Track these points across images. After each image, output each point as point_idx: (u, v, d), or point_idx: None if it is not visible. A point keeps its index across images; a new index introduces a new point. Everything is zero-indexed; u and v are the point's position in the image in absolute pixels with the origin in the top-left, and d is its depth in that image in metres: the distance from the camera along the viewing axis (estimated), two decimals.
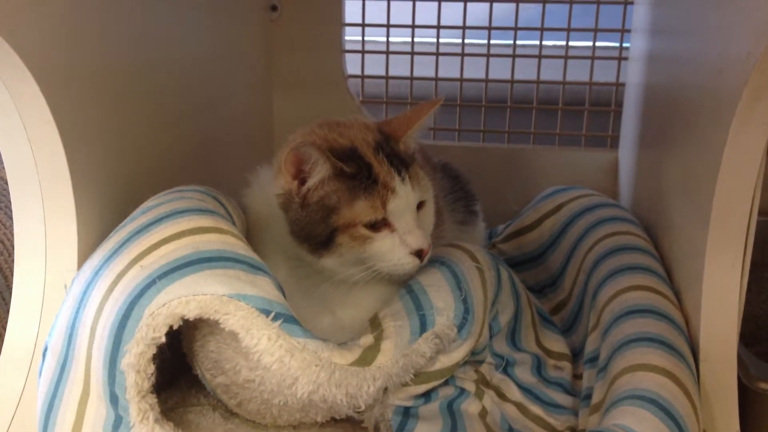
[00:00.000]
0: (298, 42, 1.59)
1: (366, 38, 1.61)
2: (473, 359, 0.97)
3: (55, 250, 0.87)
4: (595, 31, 1.55)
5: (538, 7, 1.55)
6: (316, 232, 0.88)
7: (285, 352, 0.73)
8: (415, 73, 1.61)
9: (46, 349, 0.82)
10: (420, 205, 0.92)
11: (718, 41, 0.89)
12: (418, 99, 1.62)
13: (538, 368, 1.05)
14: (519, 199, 1.41)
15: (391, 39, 1.61)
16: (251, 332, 0.73)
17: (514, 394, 0.97)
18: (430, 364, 0.87)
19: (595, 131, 1.60)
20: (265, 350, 0.73)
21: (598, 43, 1.55)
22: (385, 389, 0.80)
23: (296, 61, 1.58)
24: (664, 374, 0.83)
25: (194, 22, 1.23)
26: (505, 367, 1.02)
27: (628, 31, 1.52)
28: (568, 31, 1.55)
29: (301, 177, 0.88)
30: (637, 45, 1.46)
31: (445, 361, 0.88)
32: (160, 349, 0.74)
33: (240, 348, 0.76)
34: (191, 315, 0.72)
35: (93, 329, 0.75)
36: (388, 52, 1.61)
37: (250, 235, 0.98)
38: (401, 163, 0.90)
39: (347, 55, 1.62)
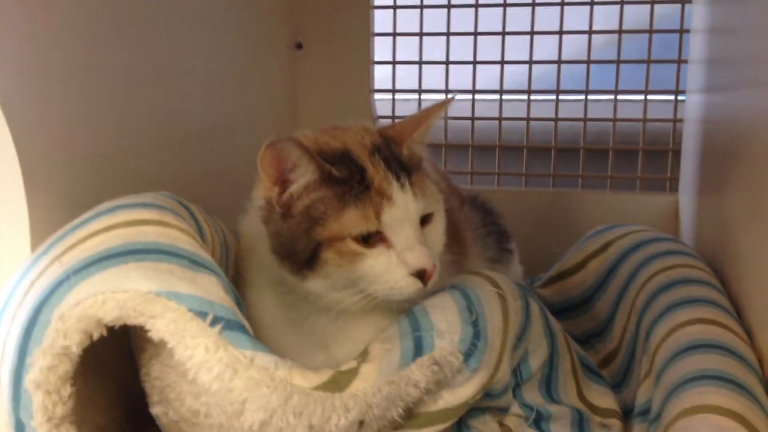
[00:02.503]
0: (324, 81, 1.49)
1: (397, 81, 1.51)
2: (493, 405, 0.80)
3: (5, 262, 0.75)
4: (648, 62, 1.39)
5: (584, 39, 1.41)
6: (298, 248, 0.73)
7: (226, 367, 0.57)
8: (450, 113, 1.48)
9: None
10: (426, 219, 0.76)
11: None
12: (453, 142, 1.49)
13: (580, 425, 0.88)
14: (566, 248, 1.24)
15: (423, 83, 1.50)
16: (184, 340, 0.58)
17: None
18: (432, 402, 0.70)
19: (651, 173, 1.43)
20: (202, 364, 0.57)
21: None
22: (361, 423, 0.63)
23: (322, 100, 1.49)
24: (729, 416, 0.65)
25: (210, 49, 1.18)
26: (538, 421, 0.84)
27: (685, 61, 1.37)
28: (618, 62, 1.40)
29: (282, 182, 0.74)
30: (695, 77, 1.30)
31: (449, 399, 0.71)
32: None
33: (184, 370, 0.60)
34: (109, 317, 0.58)
35: (5, 343, 0.61)
36: (420, 90, 1.49)
37: (240, 261, 0.86)
38: (402, 168, 0.75)
39: (377, 98, 1.51)
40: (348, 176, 0.73)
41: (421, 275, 0.72)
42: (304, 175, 0.72)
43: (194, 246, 0.66)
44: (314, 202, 0.73)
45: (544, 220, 1.43)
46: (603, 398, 0.92)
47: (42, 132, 0.78)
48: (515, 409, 0.84)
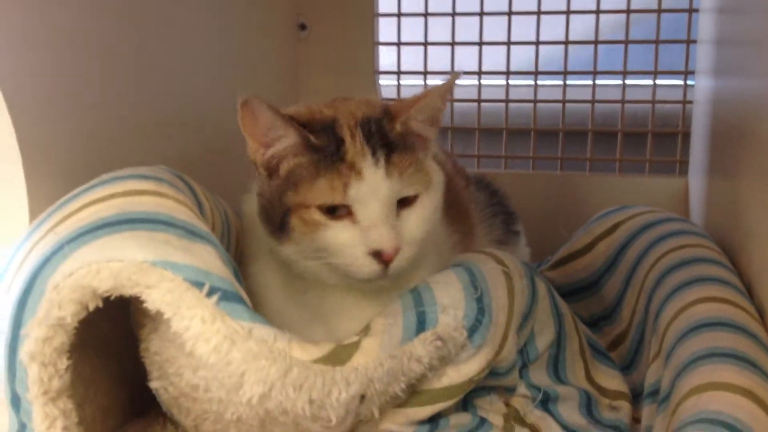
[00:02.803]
0: (328, 62, 1.47)
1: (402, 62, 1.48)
2: (499, 384, 0.78)
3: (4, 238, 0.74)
4: (657, 43, 1.37)
5: (591, 19, 1.39)
6: (274, 211, 0.72)
7: (223, 339, 0.56)
8: (456, 96, 1.46)
9: None
10: (407, 202, 0.73)
11: None
12: (459, 125, 1.47)
13: (588, 407, 0.86)
14: (571, 230, 1.22)
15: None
16: (180, 311, 0.56)
17: None
18: (435, 379, 0.69)
19: (660, 156, 1.41)
20: (199, 336, 0.56)
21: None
22: (362, 398, 0.62)
23: (326, 82, 1.46)
24: (741, 393, 0.64)
25: (209, 31, 1.17)
26: (546, 402, 0.83)
27: (694, 41, 1.34)
28: (626, 43, 1.38)
29: (264, 144, 0.72)
30: (704, 58, 1.28)
31: (453, 376, 0.69)
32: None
33: (182, 342, 0.59)
34: (104, 287, 0.56)
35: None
36: (426, 72, 1.46)
37: (242, 239, 0.85)
38: (384, 144, 0.72)
39: (383, 80, 1.49)
40: (326, 145, 0.71)
41: (379, 257, 0.69)
42: (282, 139, 0.71)
43: (191, 217, 0.65)
44: (295, 167, 0.72)
45: (551, 204, 1.41)
46: (611, 380, 0.90)
47: (40, 112, 0.77)
48: (522, 389, 0.82)
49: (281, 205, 0.71)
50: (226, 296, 0.59)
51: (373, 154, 0.70)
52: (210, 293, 0.58)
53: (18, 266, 0.61)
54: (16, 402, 0.58)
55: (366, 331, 0.67)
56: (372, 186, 0.70)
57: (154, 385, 0.67)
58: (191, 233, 0.62)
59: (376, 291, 0.76)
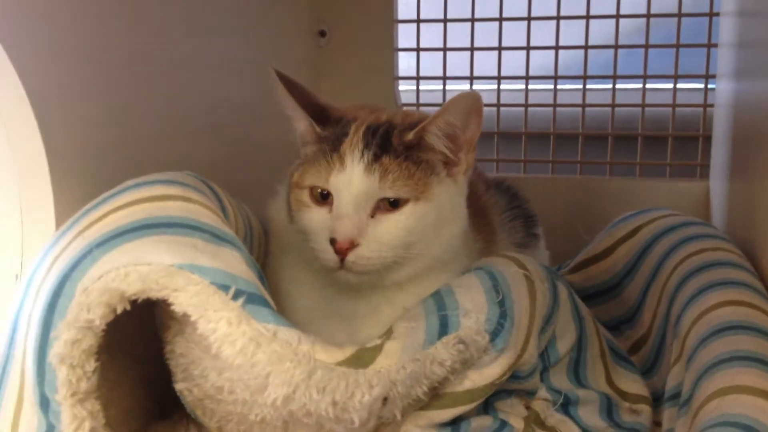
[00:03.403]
0: (348, 68, 1.49)
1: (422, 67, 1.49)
2: (520, 388, 0.78)
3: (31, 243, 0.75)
4: (678, 47, 1.37)
5: (611, 24, 1.39)
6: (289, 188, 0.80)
7: (249, 341, 0.57)
8: None
9: None
10: (394, 205, 0.75)
11: None
12: None
13: (608, 411, 0.86)
14: (591, 233, 1.22)
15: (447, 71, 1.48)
16: (207, 314, 0.57)
17: None
18: (457, 383, 0.69)
19: (681, 160, 1.40)
20: (225, 338, 0.57)
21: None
22: (385, 400, 0.62)
23: (346, 88, 1.47)
24: (762, 396, 0.64)
25: (231, 37, 1.19)
26: (566, 405, 0.83)
27: (715, 45, 1.34)
28: (646, 47, 1.38)
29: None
30: (725, 61, 1.28)
31: (476, 379, 0.70)
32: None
33: (207, 345, 0.60)
34: (131, 291, 0.57)
35: (30, 318, 0.61)
36: (445, 78, 1.47)
37: (268, 244, 0.87)
38: (381, 145, 0.75)
39: (402, 84, 1.50)
40: (330, 136, 0.76)
41: (335, 245, 0.72)
42: (299, 120, 0.79)
43: (216, 221, 0.66)
44: (308, 152, 0.79)
45: (571, 208, 1.41)
46: (632, 384, 0.90)
47: (66, 119, 0.78)
48: (542, 393, 0.82)
49: (289, 182, 0.78)
50: (252, 299, 0.59)
51: (362, 153, 0.74)
52: (236, 296, 0.59)
53: (47, 269, 0.62)
54: (45, 404, 0.59)
55: (389, 334, 0.68)
56: (348, 178, 0.73)
57: (179, 387, 0.68)
58: (217, 237, 0.63)
59: (398, 294, 0.77)
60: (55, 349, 0.58)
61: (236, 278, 0.60)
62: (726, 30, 1.28)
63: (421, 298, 0.77)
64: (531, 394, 0.81)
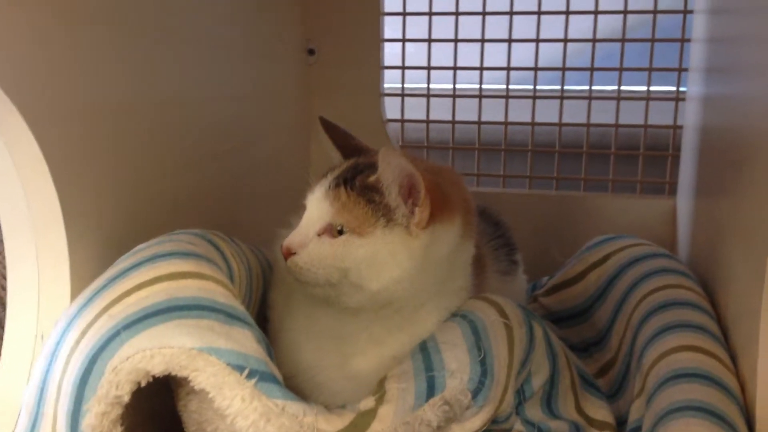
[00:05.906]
0: (336, 86, 1.54)
1: (406, 84, 1.55)
2: (497, 428, 0.86)
3: (47, 301, 0.82)
4: (650, 71, 1.44)
5: (588, 47, 1.45)
6: None
7: (260, 416, 0.65)
8: (457, 117, 1.53)
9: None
10: (335, 232, 0.81)
11: None
12: (460, 143, 1.55)
13: None
14: (568, 250, 1.30)
15: (431, 85, 1.55)
16: (223, 392, 0.65)
17: None
18: None
19: (651, 177, 1.48)
20: (239, 413, 0.64)
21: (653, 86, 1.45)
22: None
23: (334, 105, 1.53)
24: None
25: (225, 64, 1.22)
26: None
27: (686, 70, 1.41)
28: (621, 70, 1.45)
29: None
30: (694, 84, 1.35)
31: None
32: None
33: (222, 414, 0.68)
34: (157, 370, 0.64)
35: (60, 385, 0.68)
36: (429, 95, 1.53)
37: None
38: (346, 181, 0.83)
39: (387, 99, 1.56)
40: (336, 165, 0.88)
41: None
42: (336, 158, 0.93)
43: (228, 297, 0.73)
44: None
45: (548, 222, 1.49)
46: (599, 410, 0.98)
47: (78, 162, 0.83)
48: (518, 426, 0.90)
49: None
50: (263, 377, 0.67)
51: (330, 183, 0.83)
52: (249, 376, 0.66)
53: (75, 341, 0.69)
54: None
55: (382, 394, 0.75)
56: (311, 199, 0.84)
57: None
58: (230, 316, 0.70)
59: (388, 324, 0.85)
60: (87, 421, 0.65)
61: (249, 358, 0.67)
62: (695, 54, 1.35)
63: (408, 334, 0.85)
64: (506, 430, 0.90)
